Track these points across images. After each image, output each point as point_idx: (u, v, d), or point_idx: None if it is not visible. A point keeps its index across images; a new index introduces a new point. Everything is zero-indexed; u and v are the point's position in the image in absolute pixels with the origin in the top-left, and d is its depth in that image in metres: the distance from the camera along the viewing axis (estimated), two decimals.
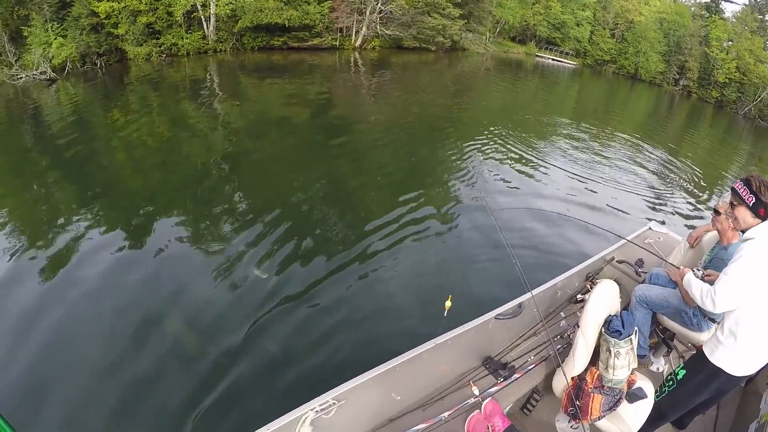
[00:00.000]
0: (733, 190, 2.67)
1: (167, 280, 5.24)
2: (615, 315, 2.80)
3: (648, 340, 3.99)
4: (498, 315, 3.20)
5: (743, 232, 2.65)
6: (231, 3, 18.35)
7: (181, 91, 14.21)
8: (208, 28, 19.31)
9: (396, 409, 2.47)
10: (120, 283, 5.13)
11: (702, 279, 3.12)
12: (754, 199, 2.54)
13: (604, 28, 54.89)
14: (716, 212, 3.47)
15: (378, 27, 23.22)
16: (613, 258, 4.68)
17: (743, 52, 61.66)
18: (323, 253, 5.81)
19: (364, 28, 22.81)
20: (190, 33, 18.98)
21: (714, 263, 3.52)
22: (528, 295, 3.39)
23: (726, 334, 2.69)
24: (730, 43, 63.59)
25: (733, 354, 2.70)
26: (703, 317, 3.61)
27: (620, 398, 2.83)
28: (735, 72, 62.39)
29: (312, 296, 5.05)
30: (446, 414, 2.49)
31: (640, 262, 4.70)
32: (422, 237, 6.59)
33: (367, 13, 22.44)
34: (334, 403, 2.39)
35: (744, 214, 2.61)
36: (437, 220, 7.13)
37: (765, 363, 2.79)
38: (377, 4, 22.39)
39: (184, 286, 5.15)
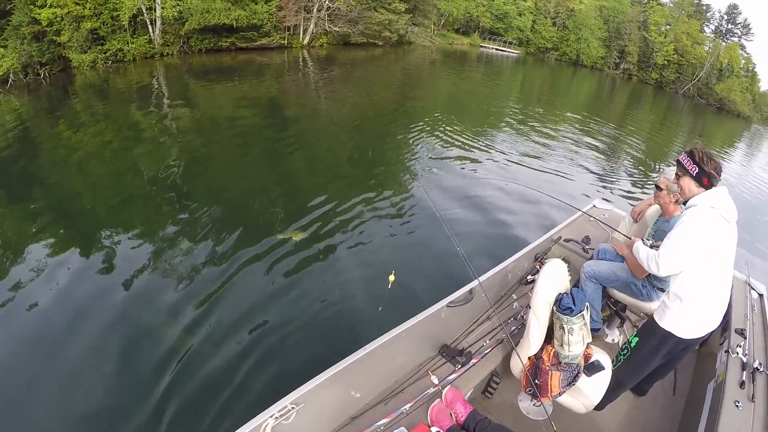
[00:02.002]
0: (678, 162, 2.85)
1: (122, 293, 5.06)
2: (565, 293, 2.90)
3: (600, 313, 4.16)
4: (450, 303, 3.24)
5: (685, 203, 2.86)
6: (177, 5, 18.14)
7: (129, 99, 13.98)
8: (154, 31, 19.07)
9: (357, 406, 2.50)
10: (74, 301, 4.92)
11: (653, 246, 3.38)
12: (697, 169, 2.71)
13: (546, 17, 57.13)
14: (657, 188, 3.70)
15: (326, 24, 23.49)
16: (560, 237, 4.86)
17: (681, 35, 65.81)
18: (275, 252, 5.82)
19: (311, 26, 23.02)
20: (136, 37, 18.69)
21: (657, 236, 3.71)
22: (480, 279, 3.45)
23: (672, 298, 2.86)
24: (668, 26, 67.85)
25: (681, 317, 2.85)
26: (652, 287, 3.83)
27: (578, 373, 2.95)
28: (673, 54, 66.56)
29: (264, 298, 5.04)
30: (407, 406, 2.54)
31: (586, 239, 4.88)
32: (368, 231, 6.68)
33: (315, 10, 22.65)
34: (293, 408, 2.40)
35: (689, 184, 2.79)
36: (385, 213, 7.27)
37: (714, 326, 2.95)
38: (325, 1, 22.69)
39: (139, 298, 5.00)
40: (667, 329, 2.89)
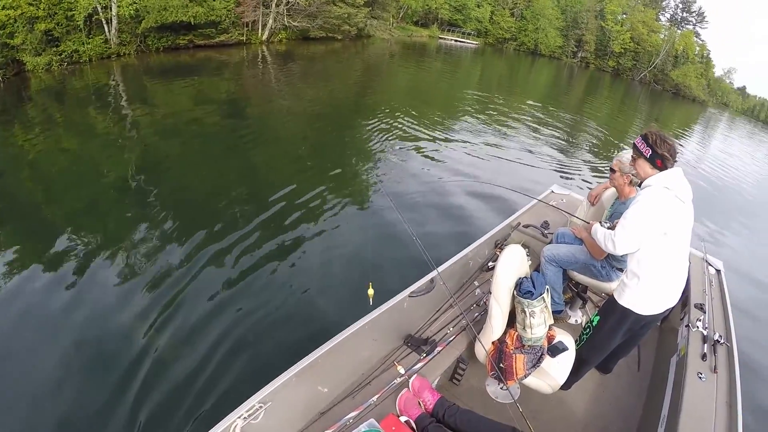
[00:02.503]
0: (633, 145, 2.94)
1: (85, 300, 4.93)
2: (525, 277, 2.97)
3: (562, 296, 4.27)
4: (411, 293, 3.24)
5: (641, 185, 2.94)
6: (134, 2, 17.89)
7: (86, 101, 13.53)
8: (110, 31, 18.73)
9: (325, 401, 2.51)
10: (35, 311, 4.78)
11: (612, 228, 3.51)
12: (650, 151, 2.81)
13: (504, 8, 57.93)
14: (612, 170, 3.80)
15: (285, 19, 23.38)
16: (519, 223, 4.94)
17: (637, 23, 68.31)
18: (237, 253, 5.80)
19: (270, 21, 22.91)
20: (91, 38, 18.27)
21: (615, 217, 3.72)
22: (441, 268, 3.49)
23: (630, 276, 2.96)
24: (624, 15, 70.42)
25: (639, 294, 2.96)
26: (611, 267, 3.94)
27: (542, 354, 3.02)
28: (630, 42, 69.05)
29: (227, 297, 5.01)
30: (375, 398, 2.56)
31: (545, 224, 4.97)
32: (329, 225, 6.72)
33: (273, 5, 22.54)
34: (261, 407, 2.40)
35: (643, 166, 2.88)
36: (345, 206, 7.31)
37: (673, 302, 3.08)
38: None
39: (103, 303, 4.87)
40: (627, 306, 3.01)
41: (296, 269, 5.64)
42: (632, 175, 3.62)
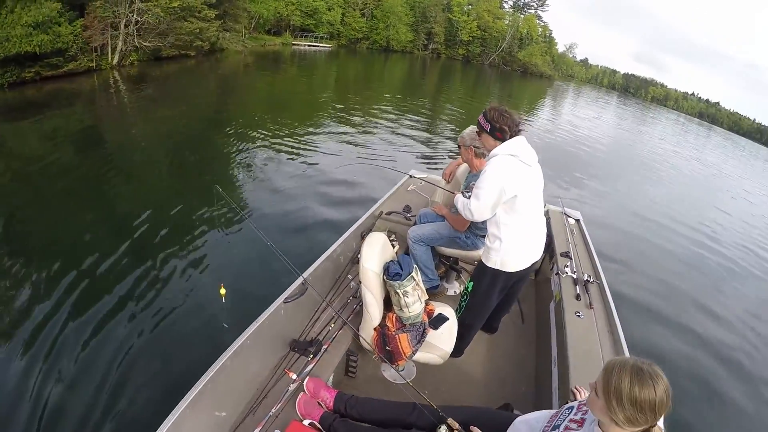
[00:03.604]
0: (477, 122, 3.12)
1: None
2: (392, 261, 3.05)
3: (436, 271, 4.43)
4: (286, 299, 3.12)
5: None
6: None
7: None
8: None
9: (226, 425, 2.47)
10: None
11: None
12: (489, 125, 2.99)
13: (355, 9, 59.81)
14: (459, 147, 4.02)
15: (135, 40, 22.50)
16: (381, 212, 5.05)
17: (482, 12, 73.52)
18: (106, 291, 5.38)
19: (120, 44, 21.86)
20: None
21: (470, 190, 3.85)
22: (309, 270, 3.44)
23: (492, 240, 3.15)
24: (470, 6, 74.88)
25: (503, 254, 3.14)
26: (476, 236, 4.17)
27: (425, 329, 3.14)
28: (477, 30, 74.18)
29: (103, 340, 4.66)
30: (275, 409, 2.55)
31: (407, 208, 5.13)
32: (193, 251, 6.45)
33: (122, 26, 21.50)
34: None
35: (486, 139, 3.08)
36: (208, 230, 6.98)
37: (537, 256, 3.30)
38: (132, 16, 21.62)
39: None
40: (495, 267, 3.19)
41: (166, 300, 5.34)
42: (475, 147, 3.87)
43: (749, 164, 46.14)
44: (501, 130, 2.96)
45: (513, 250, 3.15)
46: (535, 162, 3.06)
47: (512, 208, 3.01)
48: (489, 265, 3.21)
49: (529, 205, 3.06)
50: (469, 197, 3.21)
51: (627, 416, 1.52)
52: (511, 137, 2.98)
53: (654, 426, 1.56)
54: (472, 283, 3.41)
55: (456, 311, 3.53)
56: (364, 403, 2.70)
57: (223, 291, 2.94)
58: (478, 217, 3.05)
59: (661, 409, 1.50)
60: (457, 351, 3.61)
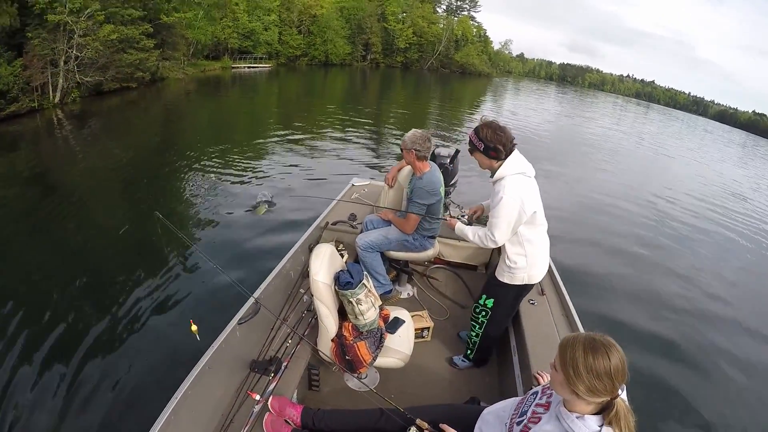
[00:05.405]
0: (469, 139, 3.00)
1: None
2: (341, 270, 3.01)
3: (387, 276, 4.43)
4: (240, 320, 3.07)
5: (490, 171, 3.01)
6: None
7: None
8: None
9: None
10: None
11: (470, 218, 3.57)
12: (483, 144, 2.88)
13: (291, 27, 60.19)
14: (402, 150, 3.97)
15: (76, 76, 21.90)
16: (327, 222, 5.03)
17: (417, 18, 75.21)
18: (61, 339, 5.17)
19: (61, 81, 21.23)
20: None
21: (415, 192, 3.91)
22: (260, 289, 3.42)
23: (516, 258, 3.10)
24: (404, 14, 76.03)
25: (530, 269, 3.13)
26: (423, 237, 4.18)
27: (382, 334, 3.12)
28: (413, 37, 75.82)
29: (65, 383, 4.50)
30: None
31: (353, 216, 5.15)
32: (145, 288, 6.20)
33: (62, 63, 20.96)
34: None
35: (481, 158, 2.97)
36: (160, 267, 6.71)
37: (548, 260, 3.31)
38: (72, 51, 21.15)
39: None
40: (522, 284, 3.20)
41: (117, 336, 5.24)
42: (416, 150, 3.84)
43: (687, 133, 48.90)
44: (496, 149, 2.88)
45: (538, 261, 3.17)
46: (533, 174, 3.02)
47: (533, 223, 3.01)
48: (515, 283, 3.20)
49: (541, 216, 3.04)
50: (470, 216, 3.44)
51: (587, 386, 1.56)
52: (507, 156, 2.91)
53: (616, 397, 1.59)
54: (492, 300, 3.36)
55: (473, 327, 3.55)
56: (331, 415, 2.71)
57: (194, 328, 2.71)
58: (501, 242, 3.00)
59: (618, 376, 1.54)
60: (482, 361, 3.77)
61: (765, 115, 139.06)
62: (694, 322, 7.15)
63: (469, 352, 3.71)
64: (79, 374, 4.61)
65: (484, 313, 3.41)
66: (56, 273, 6.73)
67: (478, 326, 3.50)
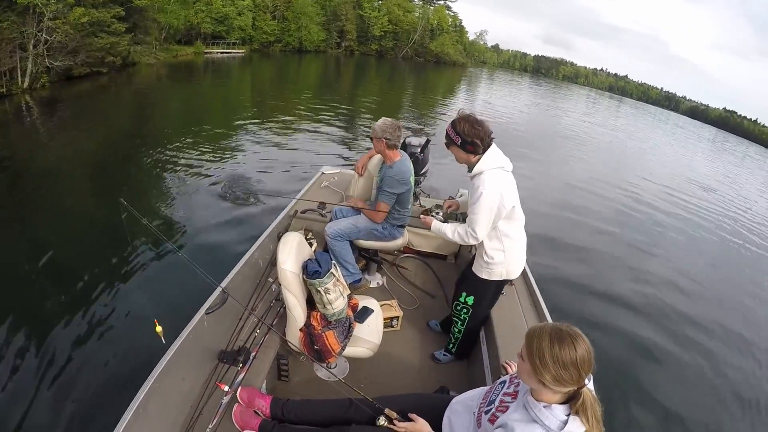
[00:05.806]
0: (446, 133, 2.95)
1: None
2: (309, 259, 2.95)
3: (356, 265, 4.39)
4: (207, 310, 3.04)
5: (468, 165, 2.97)
6: None
7: None
8: None
9: None
10: None
11: (445, 215, 3.78)
12: (460, 139, 2.84)
13: (265, 12, 59.20)
14: (371, 139, 3.92)
15: (46, 60, 21.27)
16: (296, 211, 4.99)
17: (392, 6, 74.86)
18: (26, 345, 4.82)
19: (30, 66, 20.60)
20: None
21: (385, 181, 3.90)
22: (228, 279, 3.40)
23: (493, 253, 3.09)
24: (380, 2, 75.94)
25: (508, 264, 3.13)
26: (393, 227, 4.17)
27: (350, 324, 3.11)
28: (388, 25, 75.45)
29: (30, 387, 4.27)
30: (212, 425, 2.49)
31: (322, 205, 5.02)
32: (111, 285, 5.95)
33: (31, 47, 20.33)
34: None
35: (458, 152, 2.93)
36: (127, 261, 6.49)
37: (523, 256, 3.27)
38: (41, 35, 20.50)
39: None
40: (501, 279, 3.21)
41: (88, 334, 5.04)
42: (386, 138, 3.82)
43: (657, 127, 49.90)
44: (473, 144, 2.84)
45: (516, 257, 3.16)
46: (511, 168, 2.99)
47: (511, 218, 2.99)
48: (494, 278, 3.19)
49: (518, 209, 3.02)
50: (445, 211, 3.51)
51: (553, 376, 1.57)
52: (484, 150, 2.87)
53: (583, 387, 1.60)
54: (472, 297, 3.35)
55: (456, 323, 3.54)
56: (300, 405, 2.69)
57: (159, 329, 2.57)
58: (482, 238, 2.98)
59: (584, 365, 1.56)
60: (464, 354, 3.74)
61: (735, 113, 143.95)
62: (660, 312, 7.37)
63: (451, 346, 3.72)
64: (42, 372, 4.45)
65: (465, 310, 3.41)
66: (18, 264, 6.51)
67: (460, 323, 3.51)
